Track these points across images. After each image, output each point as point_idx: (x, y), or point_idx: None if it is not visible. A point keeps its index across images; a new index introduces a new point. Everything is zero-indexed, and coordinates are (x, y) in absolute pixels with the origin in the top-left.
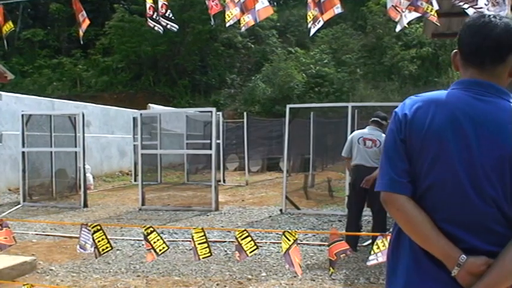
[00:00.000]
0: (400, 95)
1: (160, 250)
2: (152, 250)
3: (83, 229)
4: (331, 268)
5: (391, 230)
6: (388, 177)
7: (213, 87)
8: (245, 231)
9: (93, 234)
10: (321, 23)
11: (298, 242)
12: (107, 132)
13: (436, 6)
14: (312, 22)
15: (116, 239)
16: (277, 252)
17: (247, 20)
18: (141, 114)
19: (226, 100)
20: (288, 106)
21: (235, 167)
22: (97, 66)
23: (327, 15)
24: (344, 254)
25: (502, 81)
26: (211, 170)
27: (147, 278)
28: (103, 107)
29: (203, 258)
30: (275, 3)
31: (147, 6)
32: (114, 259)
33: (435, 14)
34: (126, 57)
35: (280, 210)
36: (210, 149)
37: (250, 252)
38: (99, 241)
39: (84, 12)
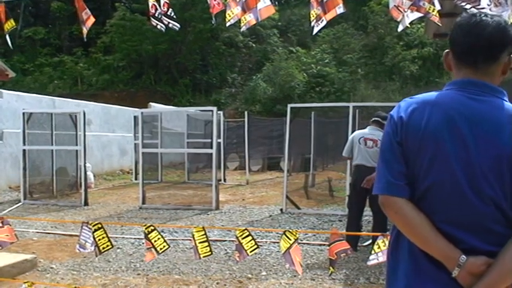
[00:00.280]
0: (401, 95)
1: (161, 249)
2: (153, 249)
3: (83, 227)
4: (330, 267)
5: (390, 231)
6: (386, 180)
7: (214, 86)
8: (246, 231)
9: (93, 232)
10: (324, 22)
11: (299, 241)
12: (107, 131)
13: (438, 7)
14: (315, 21)
15: (117, 237)
16: (278, 251)
17: (249, 19)
18: (142, 113)
19: (227, 99)
20: (289, 106)
21: (236, 166)
22: (98, 64)
23: (330, 15)
24: (344, 254)
25: (495, 79)
26: (211, 169)
27: (148, 276)
28: (104, 106)
29: (204, 257)
30: (276, 3)
31: (150, 4)
32: (114, 257)
33: (437, 15)
34: (127, 56)
35: (281, 209)
36: (211, 148)
37: (251, 251)
38: (99, 239)
39: (87, 10)
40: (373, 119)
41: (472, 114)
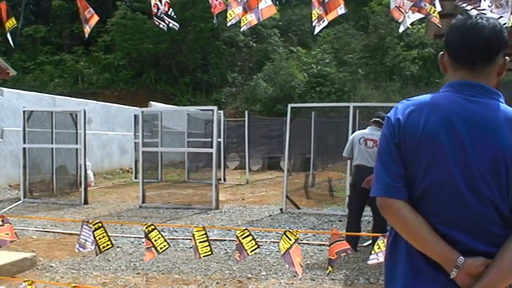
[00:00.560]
0: (402, 95)
1: (161, 248)
2: (153, 248)
3: (84, 226)
4: (329, 267)
5: (388, 233)
6: (384, 182)
7: (214, 85)
8: (246, 230)
9: (94, 231)
10: (326, 22)
11: (299, 241)
12: (108, 130)
13: (438, 8)
14: (316, 21)
15: (116, 236)
16: (277, 251)
17: (250, 19)
18: (142, 112)
19: (227, 99)
20: (290, 105)
21: (236, 165)
22: (98, 63)
23: (331, 16)
24: (345, 253)
25: (491, 81)
26: (211, 168)
27: (147, 275)
28: (104, 104)
29: (204, 256)
30: (277, 2)
31: (152, 3)
32: (114, 256)
33: (437, 16)
34: (127, 55)
35: (281, 209)
36: (211, 147)
37: (251, 251)
38: (100, 238)
39: (90, 8)
40: (374, 119)
41: (470, 116)
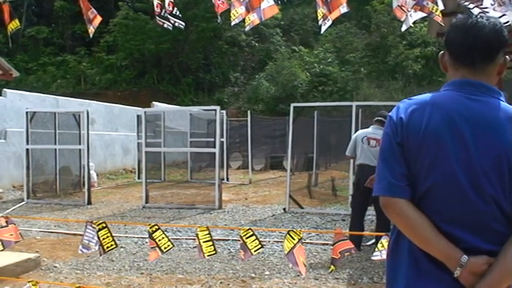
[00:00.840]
0: (404, 94)
1: (165, 248)
2: (157, 248)
3: (87, 227)
4: (331, 266)
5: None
6: (386, 182)
7: (216, 85)
8: (250, 230)
9: (98, 231)
10: (330, 21)
11: (302, 241)
12: (110, 130)
13: (441, 6)
14: (322, 20)
15: (120, 236)
16: (281, 251)
17: (252, 18)
18: (145, 112)
19: (230, 98)
20: (292, 105)
21: (239, 165)
22: (101, 64)
23: (334, 15)
24: (348, 253)
25: (492, 79)
26: (214, 168)
27: (151, 275)
28: (107, 105)
29: (208, 256)
30: (279, 2)
31: (155, 3)
32: (117, 256)
33: (440, 14)
34: (130, 55)
35: (284, 209)
36: (214, 147)
37: (255, 251)
38: (104, 239)
39: (93, 9)
40: (376, 118)
41: (472, 115)
